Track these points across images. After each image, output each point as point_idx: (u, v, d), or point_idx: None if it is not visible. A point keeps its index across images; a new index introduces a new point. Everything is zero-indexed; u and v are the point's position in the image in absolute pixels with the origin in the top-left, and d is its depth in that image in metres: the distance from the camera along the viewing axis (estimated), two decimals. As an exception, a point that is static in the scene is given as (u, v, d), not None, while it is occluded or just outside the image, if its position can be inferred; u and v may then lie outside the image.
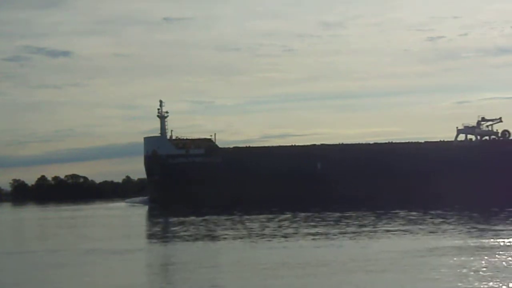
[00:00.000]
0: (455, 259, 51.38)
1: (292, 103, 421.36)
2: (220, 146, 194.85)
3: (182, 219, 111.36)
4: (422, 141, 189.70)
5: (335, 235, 72.92)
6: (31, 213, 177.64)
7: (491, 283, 41.00)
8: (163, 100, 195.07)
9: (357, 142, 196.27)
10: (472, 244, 60.40)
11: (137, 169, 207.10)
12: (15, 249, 72.42)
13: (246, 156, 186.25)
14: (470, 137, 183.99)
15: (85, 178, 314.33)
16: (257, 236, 74.90)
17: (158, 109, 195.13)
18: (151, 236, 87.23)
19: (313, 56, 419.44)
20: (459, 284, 41.03)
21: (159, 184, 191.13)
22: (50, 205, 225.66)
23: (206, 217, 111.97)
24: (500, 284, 40.60)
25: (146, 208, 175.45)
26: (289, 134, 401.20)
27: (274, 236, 74.70)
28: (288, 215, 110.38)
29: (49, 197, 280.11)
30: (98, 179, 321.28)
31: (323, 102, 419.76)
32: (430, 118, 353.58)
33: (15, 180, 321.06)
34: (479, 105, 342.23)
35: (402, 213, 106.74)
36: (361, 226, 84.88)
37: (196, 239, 74.56)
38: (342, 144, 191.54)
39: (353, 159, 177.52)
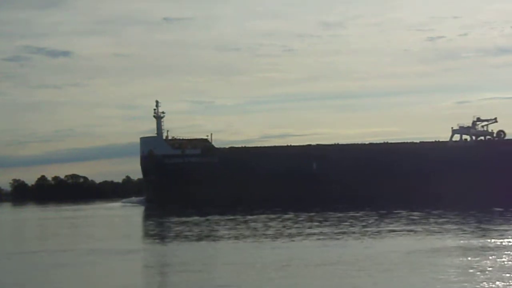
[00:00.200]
0: (461, 259, 50.89)
1: (292, 103, 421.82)
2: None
3: (184, 219, 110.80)
4: (418, 141, 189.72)
5: (339, 235, 72.40)
6: (31, 213, 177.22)
7: (499, 283, 40.49)
8: (159, 101, 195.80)
9: (353, 142, 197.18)
10: (477, 244, 59.86)
11: (137, 169, 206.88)
12: (15, 249, 71.91)
13: (242, 156, 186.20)
14: (465, 138, 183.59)
15: (85, 178, 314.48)
16: (261, 236, 74.38)
17: (154, 109, 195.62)
18: (151, 236, 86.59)
19: (313, 56, 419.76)
20: (468, 285, 40.49)
21: (155, 184, 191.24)
22: (50, 205, 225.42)
23: (209, 217, 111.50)
24: (509, 285, 40.03)
25: (142, 208, 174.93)
26: (289, 134, 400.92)
27: (278, 236, 74.24)
28: (291, 215, 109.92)
29: (49, 197, 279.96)
30: (98, 179, 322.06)
31: (323, 102, 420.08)
32: (430, 118, 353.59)
33: (15, 180, 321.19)
34: (479, 105, 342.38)
35: (404, 213, 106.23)
36: (364, 226, 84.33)
37: (199, 239, 74.02)
38: (338, 144, 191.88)
39: (349, 159, 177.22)
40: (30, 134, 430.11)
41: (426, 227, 79.87)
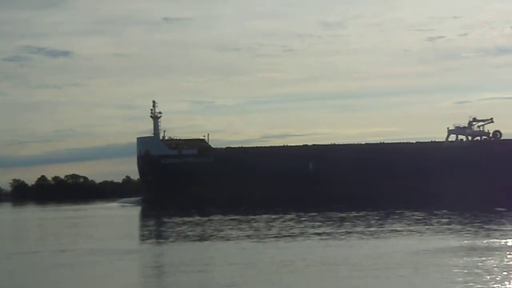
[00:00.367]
0: (465, 259, 50.52)
1: (292, 103, 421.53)
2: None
3: (185, 219, 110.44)
4: (415, 141, 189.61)
5: (342, 235, 72.00)
6: (31, 213, 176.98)
7: (506, 283, 40.11)
8: (157, 101, 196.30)
9: (351, 143, 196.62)
10: (481, 244, 59.51)
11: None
12: (15, 249, 71.52)
13: (239, 157, 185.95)
14: (461, 138, 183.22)
15: (85, 178, 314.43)
16: (265, 236, 73.94)
17: (151, 109, 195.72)
18: (151, 236, 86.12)
19: (313, 56, 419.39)
20: (474, 284, 40.07)
21: (152, 185, 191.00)
22: (50, 205, 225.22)
23: (210, 217, 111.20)
24: (516, 285, 39.64)
25: (139, 208, 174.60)
26: (289, 134, 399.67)
27: (280, 235, 73.83)
28: (293, 215, 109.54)
29: (49, 197, 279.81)
30: (98, 179, 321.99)
31: (323, 102, 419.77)
32: (430, 118, 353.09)
33: (15, 180, 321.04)
34: (479, 105, 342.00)
35: (407, 213, 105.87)
36: (367, 226, 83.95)
37: (201, 239, 73.62)
38: (335, 144, 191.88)
39: (346, 160, 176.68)
40: (30, 134, 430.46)
41: (430, 227, 79.59)
